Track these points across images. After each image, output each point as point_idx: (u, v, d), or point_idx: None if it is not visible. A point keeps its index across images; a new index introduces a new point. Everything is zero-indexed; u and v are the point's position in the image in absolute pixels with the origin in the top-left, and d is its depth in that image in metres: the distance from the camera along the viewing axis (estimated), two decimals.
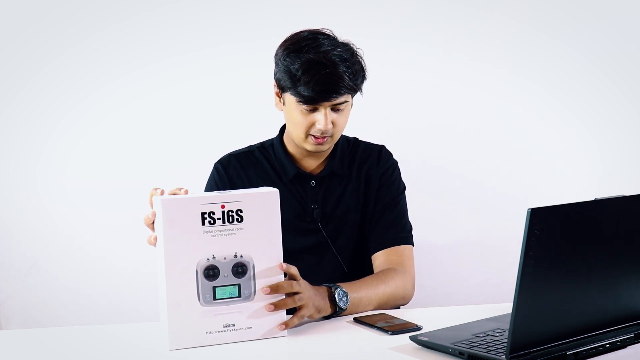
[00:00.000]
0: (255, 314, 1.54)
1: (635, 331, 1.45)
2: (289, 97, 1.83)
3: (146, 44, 2.52)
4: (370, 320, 1.64)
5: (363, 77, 1.87)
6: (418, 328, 1.58)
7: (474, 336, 1.46)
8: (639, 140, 2.65)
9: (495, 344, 1.40)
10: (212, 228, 1.50)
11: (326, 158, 1.96)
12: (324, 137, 1.84)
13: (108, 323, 2.43)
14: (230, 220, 1.50)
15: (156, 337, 1.63)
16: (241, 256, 1.52)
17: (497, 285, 2.47)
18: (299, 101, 1.80)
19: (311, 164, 1.96)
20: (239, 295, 1.53)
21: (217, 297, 1.51)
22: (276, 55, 1.86)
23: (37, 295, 2.56)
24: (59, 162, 2.55)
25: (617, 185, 2.58)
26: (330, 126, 1.81)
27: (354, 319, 1.67)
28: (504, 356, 1.33)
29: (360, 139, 2.05)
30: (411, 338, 1.48)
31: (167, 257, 1.49)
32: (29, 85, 2.52)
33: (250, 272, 1.53)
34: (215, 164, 2.00)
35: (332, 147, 1.94)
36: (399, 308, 1.88)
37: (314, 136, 1.84)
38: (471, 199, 2.62)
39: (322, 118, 1.80)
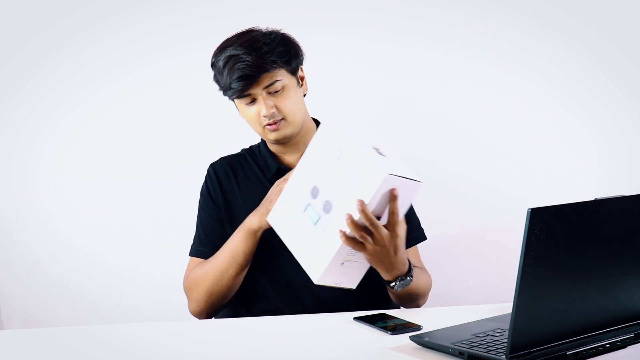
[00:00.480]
0: (313, 246, 1.63)
1: (635, 331, 1.45)
2: (235, 100, 1.91)
3: (146, 44, 2.52)
4: (370, 320, 1.64)
5: (286, 52, 1.89)
6: (418, 328, 1.58)
7: (474, 336, 1.46)
8: (639, 140, 2.65)
9: (495, 344, 1.40)
10: (337, 163, 1.60)
11: None
12: (275, 122, 1.87)
13: (108, 323, 2.43)
14: (348, 167, 1.59)
15: (156, 337, 1.63)
16: (334, 198, 1.61)
17: (497, 285, 2.46)
18: (235, 98, 1.88)
19: (293, 159, 1.98)
20: (315, 224, 1.64)
21: (305, 211, 1.65)
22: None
23: (37, 295, 2.56)
24: (59, 162, 2.55)
25: (617, 185, 2.58)
26: (272, 110, 1.85)
27: (354, 318, 1.67)
28: (504, 356, 1.33)
29: None
30: (411, 338, 1.48)
31: (302, 160, 1.69)
32: (29, 85, 2.52)
33: (332, 216, 1.61)
34: (208, 167, 2.04)
35: (303, 132, 1.95)
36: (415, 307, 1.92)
37: (268, 125, 1.88)
38: (471, 198, 2.62)
39: (261, 103, 1.86)
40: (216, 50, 1.91)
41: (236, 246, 1.84)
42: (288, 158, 1.99)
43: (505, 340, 1.39)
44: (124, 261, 2.57)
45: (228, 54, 1.86)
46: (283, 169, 1.97)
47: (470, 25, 2.57)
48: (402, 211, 1.64)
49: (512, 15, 2.58)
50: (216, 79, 1.92)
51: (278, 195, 1.76)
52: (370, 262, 1.67)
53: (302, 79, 1.96)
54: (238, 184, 1.99)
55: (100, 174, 2.55)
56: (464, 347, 1.39)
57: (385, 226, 1.62)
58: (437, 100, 2.60)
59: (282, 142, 1.93)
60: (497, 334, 1.47)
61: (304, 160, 1.69)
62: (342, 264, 1.65)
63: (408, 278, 1.74)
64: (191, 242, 2.03)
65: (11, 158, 2.54)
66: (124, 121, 2.55)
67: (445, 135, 2.61)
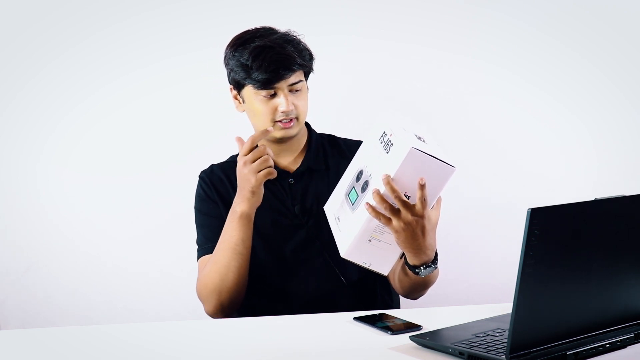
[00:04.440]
0: (347, 224, 1.67)
1: (635, 331, 1.45)
2: (247, 91, 1.91)
3: (146, 44, 2.52)
4: (370, 320, 1.64)
5: (310, 56, 1.94)
6: (418, 328, 1.58)
7: (474, 336, 1.46)
8: (639, 140, 2.65)
9: (495, 344, 1.40)
10: (378, 146, 1.64)
11: (301, 154, 2.00)
12: (290, 120, 1.89)
13: (107, 323, 2.43)
14: (385, 147, 1.62)
15: (156, 337, 1.63)
16: (371, 177, 1.64)
17: (497, 285, 2.46)
18: (256, 88, 1.87)
19: (287, 161, 1.99)
20: (353, 204, 1.67)
21: (348, 195, 1.69)
22: (225, 57, 1.94)
23: (35, 295, 2.56)
24: (58, 162, 2.54)
25: (617, 185, 2.58)
26: (292, 107, 1.88)
27: (354, 318, 1.67)
28: (504, 356, 1.33)
29: (336, 135, 2.08)
30: (411, 338, 1.48)
31: (358, 153, 1.74)
32: (29, 85, 2.51)
33: (366, 193, 1.63)
34: (199, 176, 2.04)
35: (300, 134, 1.96)
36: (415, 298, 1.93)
37: (280, 122, 1.89)
38: (471, 198, 2.62)
39: (283, 100, 1.87)
40: (237, 41, 1.91)
41: (232, 236, 1.82)
42: (282, 160, 1.99)
43: (505, 340, 1.39)
44: (123, 261, 2.57)
45: (260, 44, 1.87)
46: (279, 172, 1.97)
47: (471, 25, 2.58)
48: (432, 197, 1.61)
49: (513, 14, 2.58)
50: (232, 66, 1.91)
51: (251, 178, 1.77)
52: (397, 242, 1.64)
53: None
54: (233, 189, 1.98)
55: (99, 175, 2.55)
56: (464, 347, 1.39)
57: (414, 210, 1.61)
58: (437, 100, 2.60)
59: (285, 141, 1.94)
60: (497, 334, 1.47)
61: (359, 151, 1.73)
62: (370, 240, 1.65)
63: (433, 265, 1.73)
64: (189, 241, 2.03)
65: (10, 158, 2.54)
66: (124, 121, 2.55)
67: (444, 135, 2.60)
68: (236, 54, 1.89)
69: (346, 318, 1.69)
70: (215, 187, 1.99)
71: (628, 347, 1.43)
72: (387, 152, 1.61)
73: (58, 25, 2.50)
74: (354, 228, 1.65)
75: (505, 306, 1.60)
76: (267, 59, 1.85)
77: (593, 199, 1.38)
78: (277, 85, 1.87)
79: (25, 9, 2.49)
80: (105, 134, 2.55)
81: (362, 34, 2.56)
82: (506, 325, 1.44)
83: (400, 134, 1.60)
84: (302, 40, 1.95)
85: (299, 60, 1.87)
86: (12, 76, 2.51)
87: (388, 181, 1.57)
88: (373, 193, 1.59)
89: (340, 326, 1.65)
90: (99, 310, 2.56)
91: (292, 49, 1.88)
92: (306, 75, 1.95)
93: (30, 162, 2.54)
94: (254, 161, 1.77)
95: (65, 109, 2.53)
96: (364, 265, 1.68)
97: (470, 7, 2.57)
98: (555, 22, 2.59)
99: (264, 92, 1.88)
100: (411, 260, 1.71)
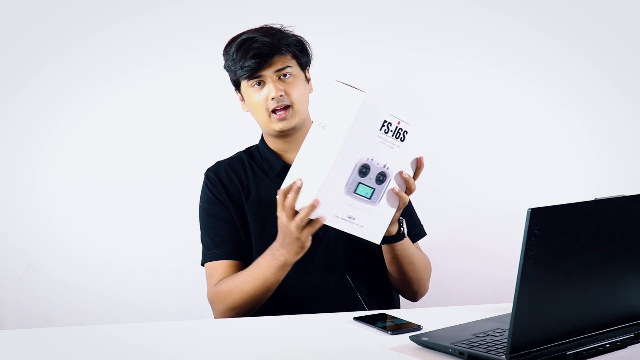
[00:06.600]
0: (371, 217, 1.71)
1: (635, 331, 1.45)
2: (243, 87, 1.95)
3: (146, 44, 2.52)
4: (370, 320, 1.64)
5: (299, 44, 1.97)
6: (418, 328, 1.58)
7: (474, 336, 1.46)
8: (639, 140, 2.65)
9: (495, 344, 1.40)
10: (384, 136, 1.66)
11: None
12: (283, 110, 1.90)
13: (107, 323, 2.43)
14: (397, 137, 1.67)
15: (156, 337, 1.63)
16: (387, 168, 1.68)
17: (497, 285, 2.46)
18: (246, 79, 1.91)
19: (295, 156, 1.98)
20: (369, 198, 1.69)
21: (356, 192, 1.68)
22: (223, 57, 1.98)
23: (34, 295, 2.56)
24: (57, 162, 2.54)
25: (617, 185, 2.58)
26: (281, 93, 1.89)
27: (354, 318, 1.67)
28: (504, 356, 1.33)
29: None
30: (411, 338, 1.48)
31: (345, 145, 1.63)
32: (29, 85, 2.52)
33: (386, 184, 1.69)
34: (205, 173, 2.03)
35: (306, 128, 1.94)
36: (414, 300, 2.02)
37: (275, 112, 1.91)
38: (471, 198, 2.62)
39: (271, 86, 1.90)
40: (229, 42, 1.96)
41: (269, 277, 1.81)
42: (291, 156, 1.98)
43: (505, 340, 1.40)
44: (122, 262, 2.57)
45: (244, 37, 1.93)
46: (288, 167, 1.96)
47: (470, 26, 2.58)
48: None
49: (513, 14, 2.58)
50: (227, 65, 1.95)
51: (300, 235, 1.71)
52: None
53: (309, 80, 2.01)
54: (242, 186, 1.98)
55: (99, 175, 2.55)
56: (464, 347, 1.39)
57: None
58: (438, 100, 2.60)
59: (285, 133, 1.94)
60: (497, 334, 1.47)
61: (345, 145, 1.64)
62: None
63: (402, 226, 1.83)
64: (189, 241, 2.03)
65: (10, 159, 2.54)
66: (124, 121, 2.55)
67: (445, 135, 2.61)
68: (226, 55, 1.95)
69: (346, 318, 1.69)
70: (224, 186, 1.98)
71: (628, 347, 1.43)
72: (402, 140, 1.68)
73: (58, 25, 2.50)
74: (385, 217, 1.74)
75: (505, 306, 1.60)
76: (248, 48, 1.89)
77: (593, 199, 1.38)
78: (262, 72, 1.90)
79: (25, 9, 2.49)
80: (104, 134, 2.55)
81: (361, 35, 2.56)
82: (506, 325, 1.44)
83: (408, 118, 1.69)
84: (298, 35, 1.97)
85: (282, 45, 1.90)
86: (12, 76, 2.51)
87: (423, 164, 1.73)
88: (403, 177, 1.70)
89: (340, 326, 1.65)
90: (99, 310, 2.56)
91: (272, 37, 1.91)
92: (302, 66, 1.97)
93: (30, 162, 2.54)
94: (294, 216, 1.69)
95: (65, 110, 2.53)
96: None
97: (470, 7, 2.57)
98: (555, 22, 2.59)
99: (254, 82, 1.91)
100: (393, 229, 1.81)
